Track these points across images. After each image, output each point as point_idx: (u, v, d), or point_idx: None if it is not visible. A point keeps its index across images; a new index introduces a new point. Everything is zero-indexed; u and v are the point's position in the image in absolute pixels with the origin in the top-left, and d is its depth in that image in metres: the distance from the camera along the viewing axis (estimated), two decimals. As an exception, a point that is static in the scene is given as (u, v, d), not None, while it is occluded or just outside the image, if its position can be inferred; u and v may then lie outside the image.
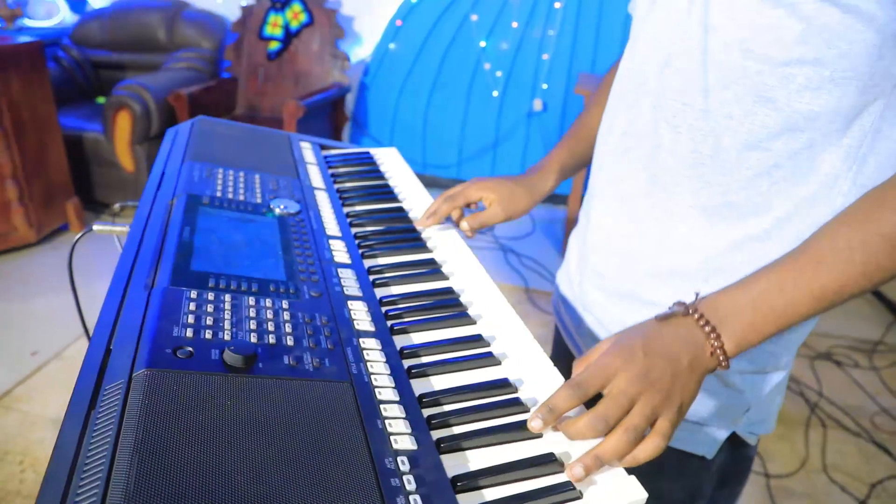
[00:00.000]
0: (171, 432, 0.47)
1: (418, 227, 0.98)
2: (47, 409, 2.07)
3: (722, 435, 0.82)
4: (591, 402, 0.60)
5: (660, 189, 0.77)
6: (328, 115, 3.72)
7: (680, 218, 0.76)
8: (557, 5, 3.62)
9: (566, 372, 0.67)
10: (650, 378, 0.59)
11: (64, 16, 4.13)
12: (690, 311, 0.64)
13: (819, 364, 2.69)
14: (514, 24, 3.71)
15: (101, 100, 3.77)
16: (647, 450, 0.58)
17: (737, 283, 0.65)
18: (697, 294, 0.67)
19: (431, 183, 3.83)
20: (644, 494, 0.55)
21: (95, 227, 0.89)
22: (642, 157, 0.78)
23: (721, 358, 0.63)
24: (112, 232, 0.89)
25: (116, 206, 0.98)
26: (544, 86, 3.79)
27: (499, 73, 3.84)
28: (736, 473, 0.87)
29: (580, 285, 0.91)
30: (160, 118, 3.21)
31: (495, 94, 3.88)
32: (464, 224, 0.98)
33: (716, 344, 0.63)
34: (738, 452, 0.85)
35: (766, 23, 0.64)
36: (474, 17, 3.74)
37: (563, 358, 1.02)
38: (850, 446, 2.25)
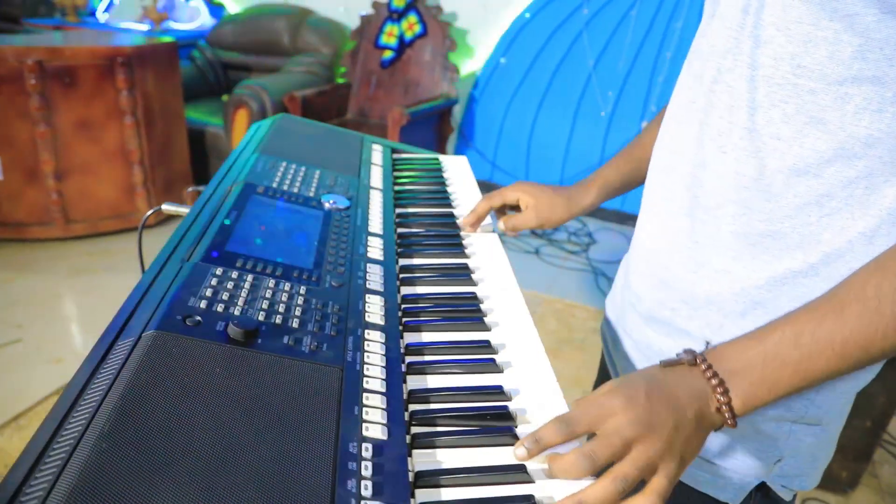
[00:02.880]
0: (157, 388, 0.51)
1: (461, 225, 1.01)
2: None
3: (749, 483, 0.75)
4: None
5: (700, 211, 0.72)
6: (434, 126, 3.81)
7: (719, 244, 0.71)
8: (677, 25, 3.52)
9: None
10: (650, 424, 0.56)
11: (204, 19, 4.50)
12: (698, 361, 0.60)
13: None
14: (628, 43, 3.64)
15: (225, 98, 4.07)
16: None
17: (751, 333, 0.61)
18: (708, 343, 0.63)
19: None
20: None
21: (164, 208, 0.97)
22: (685, 176, 0.74)
23: (727, 415, 0.58)
24: (178, 213, 0.97)
25: (188, 189, 1.06)
26: (654, 108, 3.69)
27: (609, 94, 3.79)
28: None
29: (622, 308, 0.89)
30: (275, 117, 3.41)
31: (603, 114, 3.82)
32: (500, 225, 1.00)
33: (722, 399, 0.58)
34: None
35: (821, 36, 0.59)
36: (587, 36, 3.70)
37: (605, 381, 0.99)
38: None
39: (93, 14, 4.72)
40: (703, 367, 0.60)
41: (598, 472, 0.56)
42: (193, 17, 4.51)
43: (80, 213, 3.04)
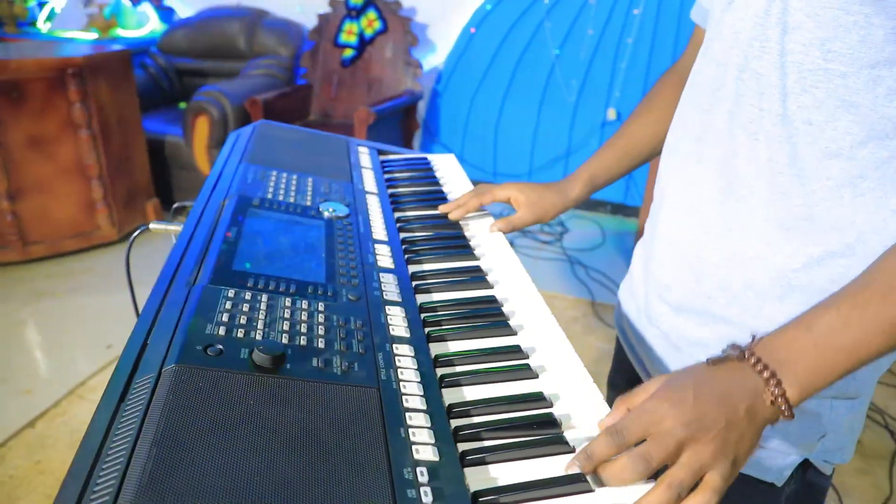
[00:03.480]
0: (191, 428, 0.47)
1: (441, 211, 1.03)
2: (119, 398, 2.17)
3: (793, 461, 0.76)
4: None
5: (734, 199, 0.73)
6: (399, 122, 3.76)
7: (754, 230, 0.71)
8: (636, 12, 3.54)
9: (626, 387, 0.63)
10: (702, 425, 0.54)
11: (153, 25, 4.36)
12: (746, 356, 0.59)
13: (908, 395, 2.51)
14: (590, 32, 3.65)
15: (182, 105, 3.95)
16: None
17: (795, 321, 0.59)
18: (754, 336, 0.61)
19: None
20: None
21: (152, 226, 0.92)
22: (717, 164, 0.74)
23: (783, 407, 0.57)
24: (167, 231, 0.92)
25: (176, 204, 1.00)
26: (618, 94, 3.71)
27: (573, 82, 3.79)
28: (809, 502, 0.81)
29: (645, 297, 0.88)
30: (237, 123, 3.33)
31: (569, 101, 3.83)
32: (493, 227, 1.00)
33: (776, 391, 0.56)
34: (810, 482, 0.79)
35: (851, 20, 0.60)
36: (548, 25, 3.70)
37: (624, 373, 0.98)
38: (942, 485, 2.08)
39: (33, 24, 4.53)
40: (753, 360, 0.58)
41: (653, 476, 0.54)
42: (142, 23, 4.37)
43: (39, 233, 2.91)
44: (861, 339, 0.56)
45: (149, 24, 4.37)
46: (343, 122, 3.74)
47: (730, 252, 0.73)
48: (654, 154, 1.00)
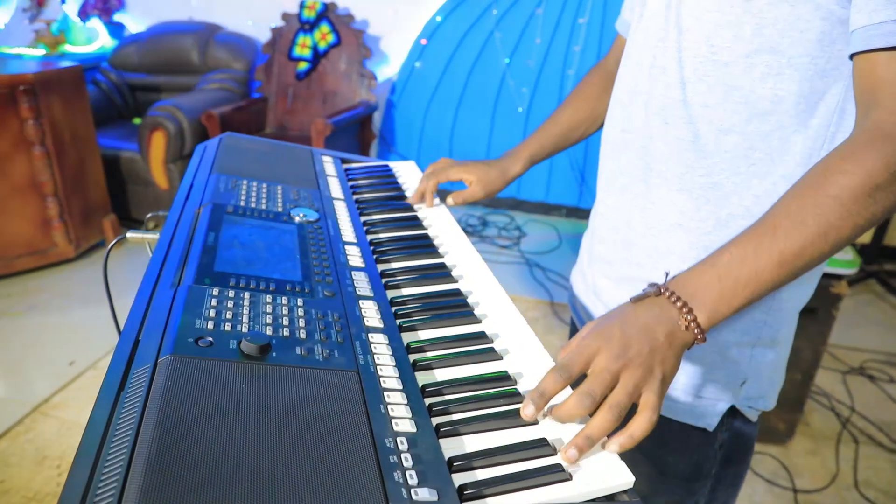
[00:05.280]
0: (190, 411, 0.52)
1: (411, 202, 1.13)
2: (83, 415, 2.14)
3: (721, 407, 0.86)
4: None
5: (654, 176, 0.84)
6: (356, 134, 3.81)
7: (670, 201, 0.83)
8: (581, 21, 3.67)
9: None
10: (629, 354, 0.63)
11: (103, 41, 4.31)
12: (662, 291, 0.68)
13: (851, 379, 2.65)
14: (538, 41, 3.76)
15: (137, 121, 3.92)
16: (641, 425, 0.61)
17: (703, 260, 0.69)
18: (667, 273, 0.71)
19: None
20: (631, 478, 0.57)
21: (129, 235, 0.95)
22: (638, 149, 0.86)
23: (696, 331, 0.66)
24: (144, 240, 0.95)
25: (149, 215, 1.04)
26: (568, 101, 3.83)
27: (524, 90, 3.90)
28: (739, 450, 0.91)
29: (592, 275, 0.98)
30: (193, 137, 3.32)
31: (520, 109, 3.93)
32: (449, 199, 1.13)
33: (689, 318, 0.65)
34: (739, 430, 0.89)
35: (726, 20, 0.73)
36: (498, 35, 3.80)
37: None
38: (884, 462, 2.21)
39: (-23, 42, 4.43)
40: (668, 294, 0.67)
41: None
42: (91, 38, 4.32)
43: (-8, 253, 2.86)
44: (757, 269, 0.65)
45: (99, 40, 4.32)
46: (299, 134, 3.77)
47: (653, 222, 0.85)
48: (582, 137, 1.14)
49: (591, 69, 1.15)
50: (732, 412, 0.87)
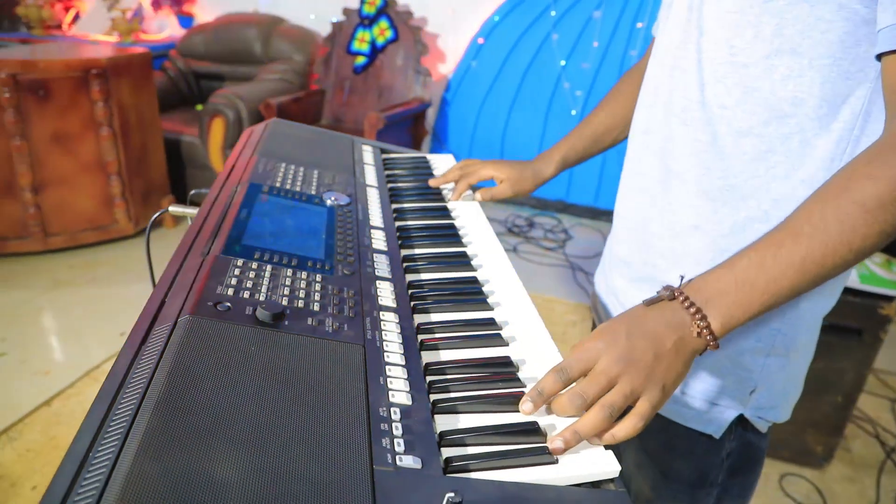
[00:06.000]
0: (200, 364, 0.56)
1: (432, 184, 1.18)
2: (131, 384, 2.27)
3: (730, 415, 0.84)
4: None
5: (672, 177, 0.84)
6: (408, 129, 3.86)
7: (688, 203, 0.82)
8: (640, 25, 3.63)
9: None
10: (631, 359, 0.62)
11: (174, 30, 4.49)
12: (676, 295, 0.67)
13: (900, 407, 2.56)
14: (595, 44, 3.74)
15: (199, 107, 4.07)
16: (625, 428, 0.61)
17: (721, 264, 0.68)
18: (682, 277, 0.70)
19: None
20: (617, 467, 0.59)
21: (171, 209, 1.01)
22: (657, 150, 0.86)
23: (709, 338, 0.65)
24: (185, 214, 1.01)
25: (192, 192, 1.10)
26: (622, 106, 3.79)
27: (578, 93, 3.88)
28: (747, 461, 0.89)
29: (611, 277, 0.98)
30: (251, 125, 3.43)
31: (574, 112, 3.92)
32: (477, 195, 1.14)
33: (702, 324, 0.64)
34: (748, 439, 0.87)
35: (746, 20, 0.72)
36: (555, 37, 3.80)
37: None
38: (928, 495, 2.13)
39: (59, 27, 4.68)
40: (681, 298, 0.66)
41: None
42: (163, 27, 4.50)
43: (59, 225, 3.03)
44: (776, 276, 0.64)
45: (169, 29, 4.51)
46: (354, 127, 3.85)
47: (670, 224, 0.84)
48: (615, 141, 1.13)
49: (626, 72, 1.15)
50: (742, 421, 0.85)
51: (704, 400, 0.84)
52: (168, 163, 3.47)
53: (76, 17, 4.73)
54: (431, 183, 1.17)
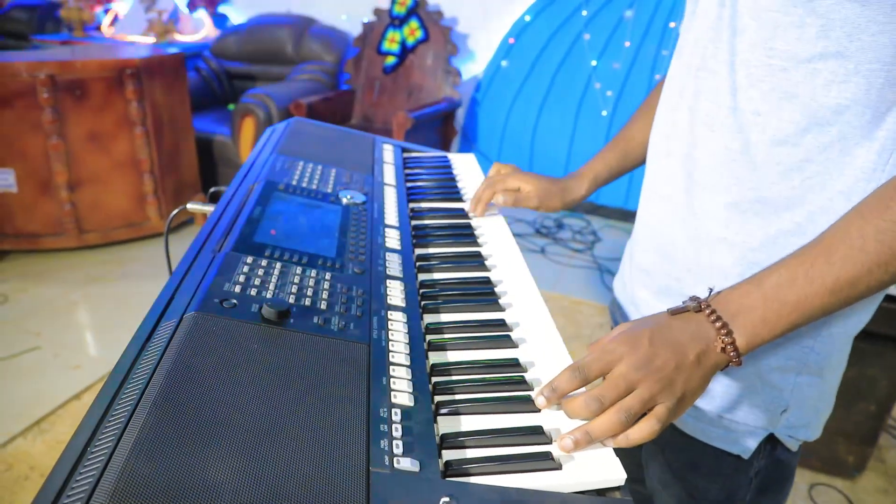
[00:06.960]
0: (202, 361, 0.56)
1: (470, 213, 1.07)
2: (159, 378, 2.31)
3: (759, 435, 0.81)
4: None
5: (697, 186, 0.79)
6: (437, 129, 3.86)
7: (715, 214, 0.78)
8: (672, 25, 3.57)
9: None
10: (652, 367, 0.60)
11: (208, 31, 4.56)
12: (703, 307, 0.65)
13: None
14: (627, 44, 3.69)
15: (231, 107, 4.13)
16: (641, 430, 0.59)
17: (750, 279, 0.65)
18: (711, 290, 0.67)
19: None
20: (623, 475, 0.57)
21: (189, 206, 1.02)
22: (681, 156, 0.81)
23: (732, 354, 0.63)
24: (202, 211, 1.02)
25: (212, 189, 1.10)
26: (654, 107, 3.74)
27: (609, 93, 3.83)
28: (777, 481, 0.85)
29: (631, 285, 0.95)
30: (281, 125, 3.47)
31: (604, 113, 3.87)
32: (499, 197, 1.07)
33: (727, 340, 0.62)
34: (778, 458, 0.83)
35: (788, 21, 0.66)
36: (587, 37, 3.76)
37: None
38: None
39: (99, 28, 4.79)
40: (707, 311, 0.64)
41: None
42: (198, 28, 4.58)
43: (93, 223, 3.10)
44: (806, 294, 0.61)
45: (204, 30, 4.58)
46: (383, 126, 3.86)
47: (695, 235, 0.80)
48: None
49: (660, 80, 1.08)
50: (771, 439, 0.81)
51: (731, 419, 0.81)
52: (200, 161, 3.52)
53: (115, 19, 4.84)
54: (468, 209, 1.09)
